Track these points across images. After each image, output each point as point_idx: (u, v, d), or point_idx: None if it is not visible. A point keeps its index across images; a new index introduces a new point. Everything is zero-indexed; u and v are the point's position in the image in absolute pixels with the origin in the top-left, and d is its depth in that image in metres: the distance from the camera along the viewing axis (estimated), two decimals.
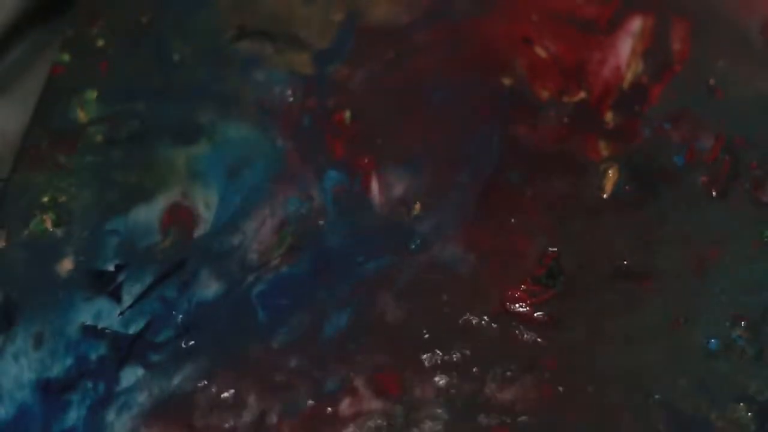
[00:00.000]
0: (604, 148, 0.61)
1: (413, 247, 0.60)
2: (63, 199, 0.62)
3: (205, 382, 0.58)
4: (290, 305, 0.59)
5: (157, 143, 0.63)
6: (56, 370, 0.59)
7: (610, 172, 0.61)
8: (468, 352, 0.58)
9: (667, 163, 0.61)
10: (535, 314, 0.58)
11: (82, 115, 0.64)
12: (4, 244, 0.62)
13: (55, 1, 0.66)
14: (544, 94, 0.63)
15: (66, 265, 0.61)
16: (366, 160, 0.62)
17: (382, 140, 0.62)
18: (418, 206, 0.61)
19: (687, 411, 0.55)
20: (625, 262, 0.59)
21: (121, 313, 0.60)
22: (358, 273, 0.60)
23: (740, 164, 0.61)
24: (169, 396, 0.58)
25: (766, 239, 0.59)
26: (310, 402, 0.57)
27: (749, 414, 0.55)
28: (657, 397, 0.56)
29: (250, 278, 0.60)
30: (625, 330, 0.57)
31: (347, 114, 0.63)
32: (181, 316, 0.59)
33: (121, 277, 0.60)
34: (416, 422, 0.57)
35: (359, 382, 0.58)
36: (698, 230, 0.59)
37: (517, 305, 0.58)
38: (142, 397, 0.58)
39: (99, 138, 0.64)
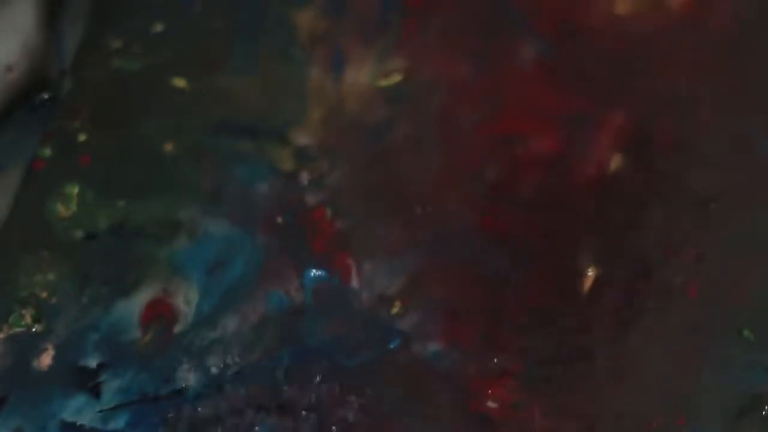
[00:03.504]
0: (584, 245, 0.62)
1: (392, 346, 0.60)
2: (43, 294, 0.62)
3: None
4: (269, 403, 0.59)
5: (138, 239, 0.63)
6: None
7: (589, 271, 0.61)
8: None
9: (647, 260, 0.61)
10: (515, 411, 0.58)
11: (62, 210, 0.64)
12: None
13: (37, 95, 0.66)
14: (526, 189, 0.63)
15: (45, 360, 0.61)
16: (346, 258, 0.62)
17: (363, 237, 0.63)
18: (398, 304, 0.61)
19: None
20: (600, 358, 0.59)
21: (101, 411, 0.60)
22: (338, 371, 0.60)
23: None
24: None
25: (744, 337, 0.59)
26: None
27: None
28: None
29: (230, 373, 0.60)
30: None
31: (328, 210, 0.63)
32: (160, 411, 0.59)
33: (103, 376, 0.60)
34: None
35: None
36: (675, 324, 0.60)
37: (496, 404, 0.59)
38: None
39: (79, 233, 0.64)
